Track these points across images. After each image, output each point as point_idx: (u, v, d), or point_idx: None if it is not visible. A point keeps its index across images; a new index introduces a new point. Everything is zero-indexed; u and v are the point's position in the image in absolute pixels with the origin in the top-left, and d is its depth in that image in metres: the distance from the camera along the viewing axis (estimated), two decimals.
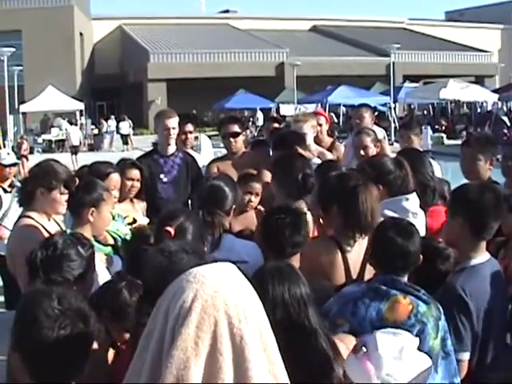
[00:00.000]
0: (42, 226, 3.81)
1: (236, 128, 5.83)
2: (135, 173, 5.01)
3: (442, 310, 2.97)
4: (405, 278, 3.00)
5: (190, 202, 5.70)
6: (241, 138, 5.85)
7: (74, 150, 27.60)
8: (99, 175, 4.34)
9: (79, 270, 2.87)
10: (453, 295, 3.01)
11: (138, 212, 5.04)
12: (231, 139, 5.77)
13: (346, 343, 2.62)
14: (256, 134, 32.10)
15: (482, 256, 3.17)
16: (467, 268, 3.12)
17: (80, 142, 29.70)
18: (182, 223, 3.22)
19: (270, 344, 1.72)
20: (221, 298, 1.65)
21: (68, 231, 3.47)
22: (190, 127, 6.17)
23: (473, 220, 3.12)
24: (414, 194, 4.14)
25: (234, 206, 3.98)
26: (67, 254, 2.86)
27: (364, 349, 2.35)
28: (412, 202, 4.09)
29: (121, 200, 4.84)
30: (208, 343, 1.63)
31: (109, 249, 4.17)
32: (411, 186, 4.23)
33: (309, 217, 3.66)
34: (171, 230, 3.15)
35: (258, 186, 4.81)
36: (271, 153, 5.89)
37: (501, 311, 3.18)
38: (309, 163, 4.45)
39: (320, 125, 6.62)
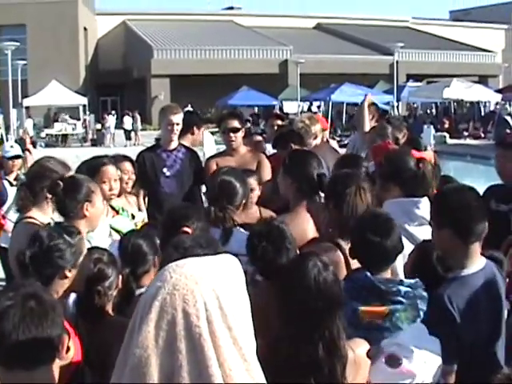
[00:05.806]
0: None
1: (236, 123, 5.76)
2: (127, 165, 5.01)
3: (423, 303, 2.95)
4: (386, 274, 3.03)
5: (193, 195, 5.73)
6: (240, 134, 5.77)
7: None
8: (94, 169, 4.36)
9: (70, 258, 2.85)
10: (439, 307, 2.91)
11: (133, 207, 5.06)
12: (231, 134, 5.70)
13: (351, 347, 2.60)
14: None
15: (475, 264, 3.04)
16: (458, 278, 3.00)
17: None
18: (194, 222, 3.29)
19: (240, 338, 1.71)
20: (180, 295, 1.66)
21: (52, 223, 3.43)
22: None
23: (459, 228, 2.98)
24: (425, 198, 3.90)
25: (243, 201, 4.10)
26: (54, 245, 2.84)
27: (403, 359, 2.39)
28: (422, 207, 3.88)
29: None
30: (168, 341, 1.65)
31: None
32: (427, 189, 4.02)
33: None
34: (189, 230, 3.21)
35: (252, 181, 4.76)
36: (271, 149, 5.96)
37: (492, 322, 3.06)
38: (322, 163, 4.35)
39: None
